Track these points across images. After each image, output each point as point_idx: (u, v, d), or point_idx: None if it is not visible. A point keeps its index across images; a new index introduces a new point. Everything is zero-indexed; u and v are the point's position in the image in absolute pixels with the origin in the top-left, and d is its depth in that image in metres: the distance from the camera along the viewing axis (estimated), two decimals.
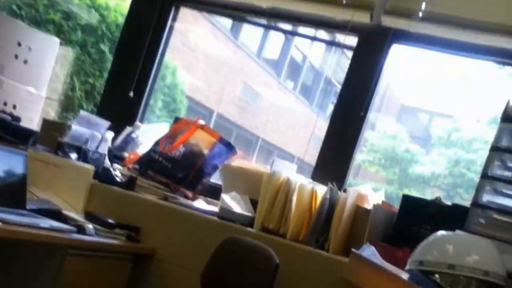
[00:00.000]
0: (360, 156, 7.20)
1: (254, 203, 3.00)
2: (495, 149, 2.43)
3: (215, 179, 3.52)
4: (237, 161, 3.42)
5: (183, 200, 3.18)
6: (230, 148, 3.42)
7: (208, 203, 3.31)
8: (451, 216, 2.55)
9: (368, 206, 2.81)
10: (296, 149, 8.42)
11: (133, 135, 3.68)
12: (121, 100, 3.99)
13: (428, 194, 6.55)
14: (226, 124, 10.05)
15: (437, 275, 2.06)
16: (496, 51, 3.20)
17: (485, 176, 2.42)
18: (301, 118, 9.95)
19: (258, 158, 10.18)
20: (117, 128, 3.61)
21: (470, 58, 3.55)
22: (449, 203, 2.72)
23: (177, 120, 3.62)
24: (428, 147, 7.35)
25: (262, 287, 2.38)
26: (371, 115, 3.58)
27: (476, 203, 2.41)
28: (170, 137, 3.43)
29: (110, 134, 3.51)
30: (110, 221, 2.87)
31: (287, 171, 2.97)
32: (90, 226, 2.74)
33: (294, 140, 9.39)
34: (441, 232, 2.23)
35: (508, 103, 2.44)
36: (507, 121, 2.44)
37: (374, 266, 2.09)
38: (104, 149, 3.41)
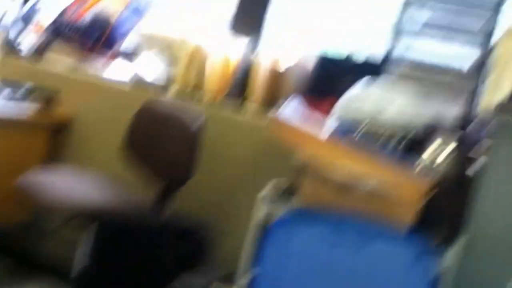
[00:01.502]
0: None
1: (170, 68, 2.90)
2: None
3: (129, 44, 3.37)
4: (152, 24, 3.28)
5: (96, 65, 3.06)
6: (139, 11, 3.27)
7: (124, 67, 3.19)
8: (366, 72, 2.52)
9: (286, 63, 2.76)
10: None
11: (39, 5, 3.46)
12: None
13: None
14: None
15: (361, 128, 2.05)
16: None
17: (399, 27, 2.40)
18: None
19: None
20: None
21: None
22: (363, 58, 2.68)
23: None
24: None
25: (190, 144, 2.32)
26: None
27: (387, 58, 2.41)
28: (77, 4, 3.26)
29: (15, 4, 3.30)
30: (23, 89, 2.75)
31: (201, 37, 2.87)
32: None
33: None
34: (361, 85, 2.20)
35: None
36: None
37: (296, 124, 2.07)
38: (9, 19, 3.24)
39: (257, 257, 1.89)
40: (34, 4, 3.43)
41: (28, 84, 2.81)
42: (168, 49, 2.93)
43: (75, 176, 2.37)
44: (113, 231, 2.24)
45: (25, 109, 2.73)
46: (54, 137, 2.87)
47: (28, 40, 3.20)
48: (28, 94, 2.78)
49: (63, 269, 2.69)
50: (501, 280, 1.66)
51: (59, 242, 2.81)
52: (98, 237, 2.22)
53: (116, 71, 3.13)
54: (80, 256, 2.37)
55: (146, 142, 2.52)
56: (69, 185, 2.21)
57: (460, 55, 2.37)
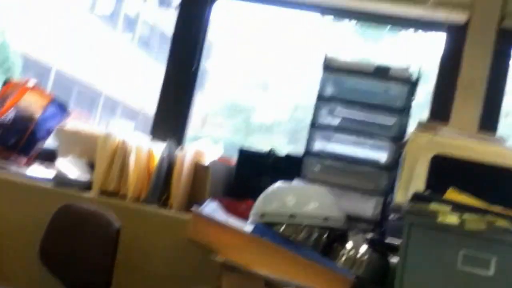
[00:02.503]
0: (206, 107, 7.15)
1: (92, 166, 2.83)
2: (321, 98, 2.45)
3: (51, 143, 3.31)
4: (73, 123, 3.22)
5: (14, 168, 2.95)
6: (63, 108, 3.23)
7: (45, 168, 3.10)
8: (288, 166, 2.55)
9: (207, 161, 2.74)
10: (140, 104, 8.22)
11: None
12: None
13: (273, 141, 6.65)
14: (66, 81, 9.60)
15: (280, 226, 2.04)
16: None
17: (314, 125, 2.43)
18: (142, 71, 9.72)
19: (102, 115, 9.88)
20: None
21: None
22: (283, 154, 2.73)
23: (6, 82, 3.33)
24: (268, 94, 7.43)
25: (103, 254, 2.23)
26: (210, 66, 3.52)
27: (308, 152, 2.42)
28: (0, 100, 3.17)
29: None
30: None
31: (124, 132, 2.83)
32: None
33: (137, 95, 9.16)
34: (279, 183, 2.22)
35: (326, 54, 2.45)
36: (328, 71, 2.45)
37: (215, 223, 2.03)
38: None
39: None
40: None
41: None
42: (91, 145, 2.86)
43: None
44: None
45: None
46: None
47: None
48: None
49: None
50: None
51: None
52: None
53: (37, 170, 3.04)
54: None
55: (62, 249, 2.41)
56: None
57: (377, 147, 2.42)
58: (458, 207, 1.66)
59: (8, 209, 2.75)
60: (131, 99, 9.65)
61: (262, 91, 7.65)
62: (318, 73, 2.48)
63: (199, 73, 3.31)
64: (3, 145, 3.04)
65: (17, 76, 7.58)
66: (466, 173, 1.88)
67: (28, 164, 3.08)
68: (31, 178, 2.86)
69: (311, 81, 2.89)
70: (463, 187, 1.78)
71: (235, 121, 7.53)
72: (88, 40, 9.88)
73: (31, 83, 3.21)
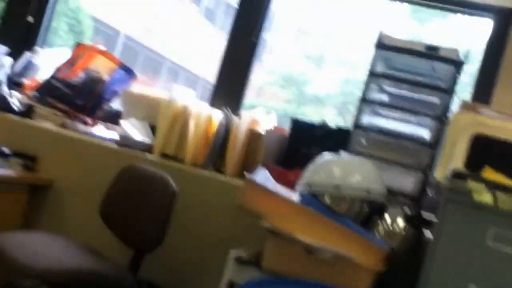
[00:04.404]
0: (262, 77, 7.17)
1: (154, 129, 2.93)
2: (372, 74, 2.45)
3: (117, 105, 3.41)
4: (138, 87, 3.32)
5: (82, 127, 3.07)
6: (130, 73, 3.32)
7: (109, 129, 3.21)
8: (337, 138, 2.57)
9: (262, 130, 2.80)
10: (202, 71, 8.30)
11: (32, 61, 3.49)
12: (19, 25, 3.75)
13: (323, 113, 6.63)
14: (133, 46, 9.75)
15: (325, 196, 2.08)
16: None
17: (364, 99, 2.45)
18: (206, 40, 9.77)
19: (166, 80, 10.00)
20: (16, 54, 3.40)
21: None
22: (334, 125, 2.77)
23: (77, 45, 3.44)
24: (322, 67, 7.39)
25: (160, 214, 2.33)
26: (269, 38, 3.55)
27: (356, 125, 2.44)
28: (70, 63, 3.28)
29: (8, 60, 3.30)
30: (5, 150, 2.73)
31: (185, 98, 2.90)
32: None
33: (200, 62, 9.23)
34: (326, 155, 2.24)
35: (380, 32, 2.45)
36: (381, 48, 2.45)
37: (266, 190, 2.09)
38: (1, 76, 3.21)
39: None
40: (29, 59, 3.47)
41: (9, 147, 2.79)
42: (154, 109, 2.94)
43: (49, 241, 2.34)
44: None
45: (5, 171, 2.69)
46: (33, 199, 2.82)
47: (20, 97, 3.19)
48: (9, 157, 2.76)
49: None
50: None
51: None
52: None
53: (103, 130, 3.15)
54: None
55: (121, 207, 2.51)
56: (41, 249, 2.19)
57: (422, 124, 2.43)
58: (493, 186, 1.66)
59: (74, 166, 2.87)
60: (193, 67, 9.73)
61: (315, 64, 7.62)
62: (369, 50, 2.49)
63: (259, 44, 3.35)
64: (72, 105, 3.17)
65: (88, 39, 7.73)
66: (505, 154, 1.88)
67: (94, 124, 3.20)
68: (97, 137, 2.98)
69: (362, 57, 2.89)
70: (501, 168, 1.79)
71: (289, 92, 7.53)
72: (156, 9, 9.98)
73: (101, 47, 3.32)
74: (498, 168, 1.78)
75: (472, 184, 1.68)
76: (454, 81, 2.36)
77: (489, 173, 1.76)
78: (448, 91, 2.35)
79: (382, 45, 2.45)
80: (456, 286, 1.68)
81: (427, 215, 2.16)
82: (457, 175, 1.72)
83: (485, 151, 1.90)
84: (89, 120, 3.19)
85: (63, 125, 3.03)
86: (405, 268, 1.83)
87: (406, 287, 1.77)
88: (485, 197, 1.65)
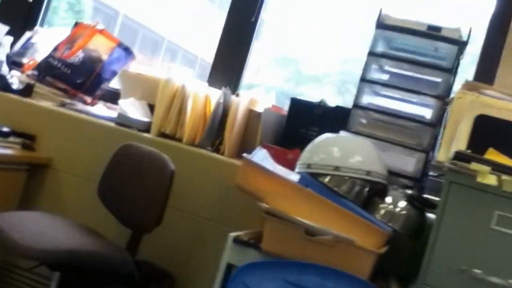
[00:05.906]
0: (260, 57, 7.06)
1: (152, 109, 2.87)
2: (371, 54, 2.39)
3: (115, 84, 3.35)
4: (137, 66, 3.26)
5: (80, 106, 3.01)
6: (128, 53, 3.26)
7: (108, 108, 3.14)
8: (337, 117, 2.51)
9: (260, 109, 2.73)
10: (201, 51, 8.20)
11: (32, 40, 3.41)
12: (19, 4, 3.66)
13: (322, 91, 6.56)
14: (132, 26, 9.63)
15: (325, 177, 2.03)
16: None
17: (364, 79, 2.38)
18: (205, 20, 9.66)
19: (164, 60, 9.89)
20: (16, 33, 3.32)
21: None
22: (333, 105, 2.69)
23: (76, 24, 3.37)
24: (321, 46, 7.28)
25: (157, 193, 2.27)
26: (268, 17, 3.48)
27: (356, 105, 2.38)
28: (69, 42, 3.21)
29: (8, 39, 3.24)
30: (5, 129, 2.67)
31: (183, 77, 2.83)
32: None
33: (198, 42, 9.13)
34: (326, 135, 2.19)
35: (380, 11, 2.38)
36: (381, 28, 2.38)
37: (263, 171, 2.03)
38: (1, 55, 3.15)
39: None
40: (29, 38, 3.39)
41: (9, 126, 2.73)
42: (152, 89, 2.88)
43: (47, 220, 2.29)
44: (79, 278, 2.17)
45: (4, 150, 2.63)
46: (31, 179, 2.77)
47: (19, 76, 3.12)
48: (8, 135, 2.70)
49: None
50: None
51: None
52: (64, 284, 2.15)
53: (101, 109, 3.09)
54: None
55: (119, 185, 2.45)
56: (39, 230, 2.13)
57: (423, 104, 2.37)
58: (498, 168, 1.61)
59: (73, 144, 2.81)
60: (192, 46, 9.62)
61: (314, 43, 7.53)
62: (368, 28, 2.42)
63: (258, 24, 3.28)
64: (71, 84, 3.10)
65: (86, 19, 7.64)
66: (509, 135, 1.82)
67: (93, 103, 3.14)
68: (95, 116, 2.91)
69: (361, 35, 2.83)
70: (504, 149, 1.73)
71: (287, 71, 7.44)
72: None
73: (100, 26, 3.24)
74: (502, 150, 1.72)
75: (476, 166, 1.62)
76: (456, 60, 2.29)
77: (493, 155, 1.70)
78: (450, 71, 2.28)
79: (383, 24, 2.38)
80: (459, 269, 1.63)
81: (429, 196, 2.11)
82: (460, 157, 1.67)
83: (488, 132, 1.84)
84: (88, 99, 3.13)
85: (62, 104, 2.97)
86: (407, 251, 1.78)
87: (408, 270, 1.72)
88: (490, 180, 1.59)
